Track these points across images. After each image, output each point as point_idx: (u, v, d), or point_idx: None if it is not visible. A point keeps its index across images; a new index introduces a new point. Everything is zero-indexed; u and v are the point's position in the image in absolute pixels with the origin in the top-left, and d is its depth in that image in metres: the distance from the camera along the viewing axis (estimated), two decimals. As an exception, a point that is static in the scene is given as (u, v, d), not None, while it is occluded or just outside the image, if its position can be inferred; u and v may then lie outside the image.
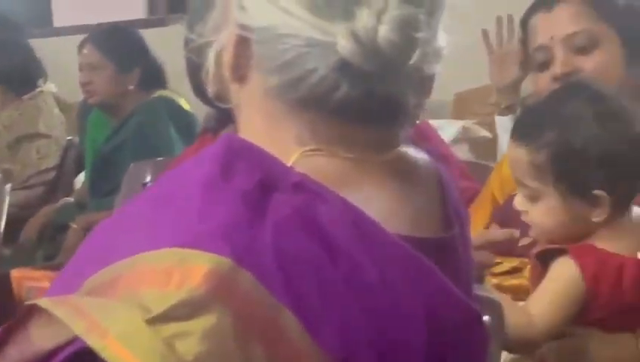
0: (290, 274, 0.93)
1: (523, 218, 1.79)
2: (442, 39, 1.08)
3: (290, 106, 1.04)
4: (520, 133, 1.78)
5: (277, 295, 0.92)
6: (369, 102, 1.03)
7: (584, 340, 1.74)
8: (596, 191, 1.70)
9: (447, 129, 4.54)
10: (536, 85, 2.08)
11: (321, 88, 1.02)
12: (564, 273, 1.71)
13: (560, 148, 1.71)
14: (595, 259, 1.70)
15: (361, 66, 1.00)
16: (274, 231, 0.94)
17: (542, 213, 1.76)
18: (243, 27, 1.05)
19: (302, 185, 0.99)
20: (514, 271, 2.00)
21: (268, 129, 1.06)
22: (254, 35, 1.04)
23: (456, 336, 1.05)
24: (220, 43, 1.08)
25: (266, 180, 0.98)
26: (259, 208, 0.96)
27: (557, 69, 2.02)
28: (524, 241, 1.88)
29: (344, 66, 1.01)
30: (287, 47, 1.02)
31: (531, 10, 2.12)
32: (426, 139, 2.55)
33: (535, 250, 1.77)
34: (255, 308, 0.91)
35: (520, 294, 1.85)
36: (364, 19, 1.00)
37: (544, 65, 2.05)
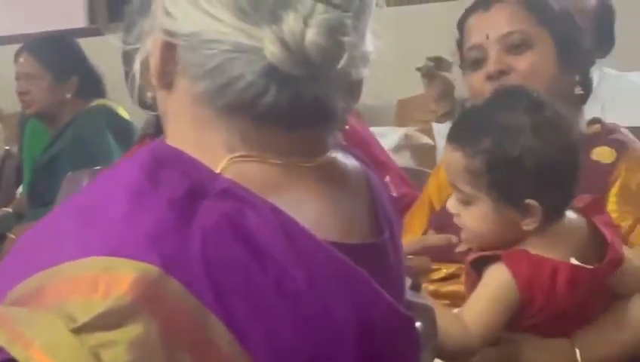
0: (219, 282, 0.92)
1: (455, 220, 1.80)
2: (370, 43, 1.07)
3: (218, 112, 1.03)
4: (456, 137, 1.78)
5: (205, 303, 0.91)
6: (297, 107, 1.02)
7: (519, 346, 1.75)
8: (528, 201, 1.70)
9: (389, 136, 4.55)
10: (470, 85, 2.09)
11: (248, 94, 1.01)
12: (497, 279, 1.71)
13: (495, 156, 1.71)
14: (529, 264, 1.70)
15: (288, 71, 0.99)
16: (202, 239, 0.93)
17: (473, 217, 1.76)
18: (168, 33, 1.03)
19: (230, 192, 0.98)
20: (451, 277, 2.00)
21: (196, 136, 1.05)
22: (180, 41, 1.03)
23: (388, 343, 1.05)
24: (146, 49, 1.07)
25: (193, 187, 0.97)
26: (187, 216, 0.95)
27: (490, 67, 2.04)
28: (462, 247, 1.89)
29: (272, 71, 1.00)
30: (214, 52, 1.00)
31: (468, 12, 2.14)
32: (365, 145, 2.55)
33: (469, 258, 1.77)
34: (183, 317, 0.90)
35: (457, 300, 1.86)
36: (290, 23, 0.99)
37: (478, 64, 2.06)
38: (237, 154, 1.03)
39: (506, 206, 1.72)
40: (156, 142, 1.06)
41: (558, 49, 2.05)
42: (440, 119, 2.94)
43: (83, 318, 0.88)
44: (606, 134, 2.10)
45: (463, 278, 1.91)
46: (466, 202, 1.76)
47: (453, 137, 1.78)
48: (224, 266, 0.93)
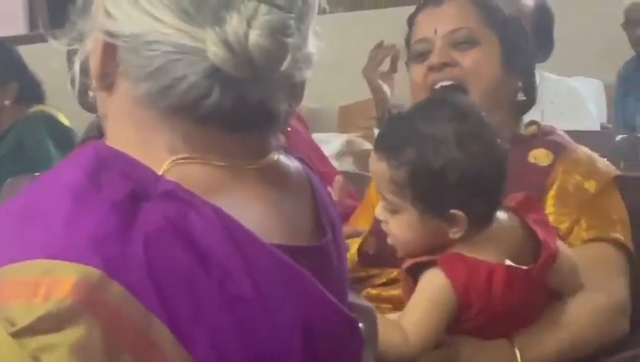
0: (162, 284, 0.92)
1: (383, 227, 1.80)
2: (312, 45, 1.06)
3: (160, 114, 1.02)
4: (381, 147, 1.76)
5: (148, 306, 0.90)
6: (241, 109, 1.01)
7: (459, 349, 1.75)
8: (453, 211, 1.70)
9: (332, 142, 4.57)
10: (412, 78, 2.09)
11: (191, 96, 1.00)
12: (433, 285, 1.70)
13: (419, 167, 1.70)
14: (465, 268, 1.69)
15: (232, 73, 0.99)
16: (145, 242, 0.93)
17: (400, 225, 1.76)
18: (109, 34, 1.02)
19: (173, 194, 0.97)
20: (393, 282, 2.00)
21: (138, 137, 1.04)
22: (121, 42, 1.01)
23: (333, 344, 1.05)
24: (86, 50, 1.06)
25: (136, 189, 0.96)
26: (129, 218, 0.94)
27: (434, 58, 2.04)
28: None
29: (215, 73, 0.99)
30: (156, 54, 0.99)
31: (420, 7, 2.15)
32: (310, 151, 2.55)
33: (404, 265, 1.76)
34: (125, 320, 0.89)
35: (400, 304, 1.85)
36: (234, 24, 0.98)
37: (423, 57, 2.07)
38: (179, 156, 1.02)
39: (431, 216, 1.72)
40: (97, 143, 1.04)
41: (503, 51, 2.06)
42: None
43: (23, 322, 0.86)
44: (543, 136, 2.11)
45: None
46: (393, 211, 1.76)
47: (377, 147, 1.77)
48: (167, 269, 0.92)
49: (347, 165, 4.23)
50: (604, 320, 1.90)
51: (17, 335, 0.86)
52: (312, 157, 2.63)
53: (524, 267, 1.72)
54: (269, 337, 0.97)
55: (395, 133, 1.76)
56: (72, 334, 0.87)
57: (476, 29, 2.06)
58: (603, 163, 2.08)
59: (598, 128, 3.59)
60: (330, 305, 1.04)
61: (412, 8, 2.21)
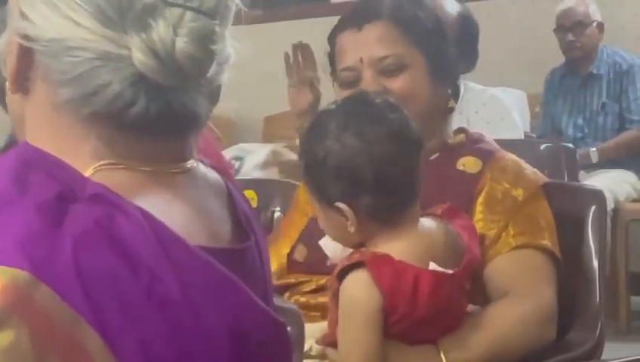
0: (90, 288, 0.90)
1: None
2: (230, 47, 1.06)
3: (83, 121, 1.00)
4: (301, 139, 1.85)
5: (77, 309, 0.89)
6: (166, 115, 1.00)
7: (386, 355, 1.74)
8: (338, 203, 1.72)
9: (257, 153, 4.57)
10: None
11: (117, 104, 0.98)
12: (359, 289, 1.70)
13: (309, 159, 1.76)
14: (392, 272, 1.69)
15: (159, 80, 0.97)
16: (73, 244, 0.91)
17: (319, 220, 1.81)
18: (26, 37, 0.99)
19: (100, 197, 0.95)
20: (322, 289, 1.99)
21: (57, 142, 1.01)
22: (39, 46, 0.99)
23: (261, 348, 1.04)
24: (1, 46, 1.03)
25: (63, 191, 0.94)
26: (57, 220, 0.92)
27: (365, 88, 2.02)
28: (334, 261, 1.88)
29: (140, 80, 0.97)
30: (78, 60, 0.97)
31: (339, 28, 2.11)
32: (209, 156, 2.51)
33: (335, 271, 1.75)
34: (54, 323, 0.88)
35: (328, 312, 1.84)
36: (160, 31, 0.96)
37: (352, 85, 2.05)
38: (104, 162, 1.00)
39: (326, 208, 1.75)
40: (23, 145, 1.01)
41: (430, 66, 2.06)
42: (305, 133, 2.92)
43: None
44: (471, 144, 2.12)
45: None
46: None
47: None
48: (95, 273, 0.91)
49: (272, 175, 4.23)
50: (530, 325, 1.91)
51: None
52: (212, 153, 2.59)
53: (450, 271, 1.73)
54: (197, 340, 0.96)
55: (309, 127, 1.81)
56: (2, 338, 0.85)
57: (401, 52, 2.04)
58: (531, 170, 2.10)
59: (523, 137, 3.62)
60: (258, 308, 1.03)
61: (334, 19, 2.19)
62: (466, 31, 3.49)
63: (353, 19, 2.07)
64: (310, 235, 2.05)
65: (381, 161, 1.71)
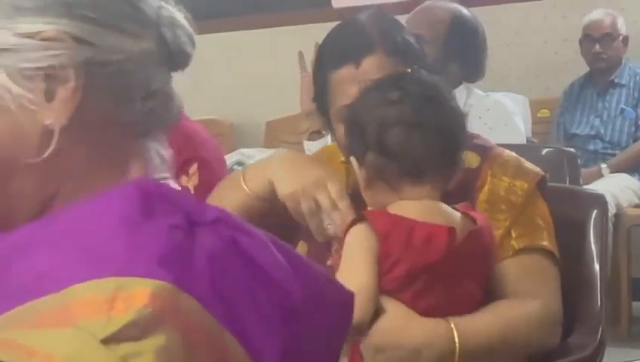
0: (228, 300, 0.92)
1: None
2: None
3: (135, 137, 1.05)
4: None
5: (219, 318, 0.91)
6: (169, 117, 1.07)
7: (395, 318, 1.79)
8: (351, 157, 1.85)
9: (258, 157, 4.56)
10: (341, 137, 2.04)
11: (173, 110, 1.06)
12: (358, 234, 1.79)
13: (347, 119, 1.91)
14: (387, 219, 1.77)
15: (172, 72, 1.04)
16: (208, 260, 0.92)
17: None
18: (91, 64, 0.99)
19: (223, 219, 0.97)
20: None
21: (98, 165, 1.04)
22: (110, 69, 1.01)
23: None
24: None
25: (187, 217, 0.95)
26: (187, 242, 0.93)
27: None
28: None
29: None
30: (147, 73, 1.02)
31: (334, 64, 2.06)
32: (188, 139, 2.50)
33: (343, 228, 1.83)
34: (201, 331, 0.89)
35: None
36: (180, 23, 1.04)
37: None
38: (158, 178, 1.04)
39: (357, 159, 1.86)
40: (138, 179, 1.02)
41: None
42: (312, 136, 2.93)
43: (106, 332, 0.85)
44: (469, 139, 2.12)
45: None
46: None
47: None
48: (231, 286, 0.93)
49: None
50: (537, 325, 1.93)
51: (106, 342, 0.85)
52: (194, 139, 2.57)
53: (447, 226, 1.76)
54: (320, 351, 1.01)
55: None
56: (156, 341, 0.86)
57: None
58: (529, 164, 2.11)
59: (525, 142, 3.63)
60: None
61: (333, 24, 2.19)
62: (457, 34, 3.48)
63: (349, 56, 2.04)
64: (310, 231, 2.06)
65: (384, 122, 1.79)
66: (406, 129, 1.78)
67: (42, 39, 0.96)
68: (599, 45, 5.18)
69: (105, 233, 0.93)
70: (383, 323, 1.79)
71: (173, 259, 0.91)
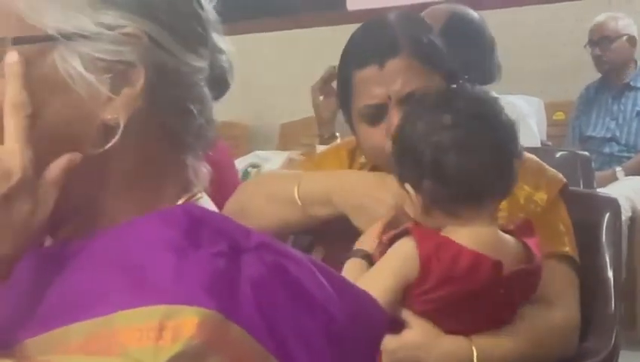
0: (274, 326, 0.92)
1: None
2: None
3: (176, 149, 1.07)
4: None
5: (266, 347, 0.90)
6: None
7: (420, 336, 1.79)
8: (405, 184, 1.80)
9: (273, 160, 4.57)
10: (368, 137, 2.03)
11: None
12: (399, 248, 1.77)
13: (393, 139, 1.87)
14: (435, 240, 1.75)
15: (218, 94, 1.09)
16: (252, 287, 0.92)
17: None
18: (166, 70, 1.02)
19: (267, 245, 0.97)
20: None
21: (148, 176, 1.06)
22: (173, 76, 1.04)
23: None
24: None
25: (231, 243, 0.95)
26: (233, 266, 0.93)
27: (389, 122, 2.00)
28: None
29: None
30: (198, 84, 1.04)
31: (358, 63, 2.06)
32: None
33: (385, 236, 1.82)
34: (248, 358, 0.89)
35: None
36: (218, 45, 1.06)
37: (377, 120, 2.03)
38: (191, 194, 1.05)
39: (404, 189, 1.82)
40: (186, 204, 1.03)
41: (447, 84, 2.06)
42: (325, 142, 2.92)
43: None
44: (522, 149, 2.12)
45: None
46: None
47: None
48: (276, 313, 0.92)
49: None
50: (559, 335, 1.93)
51: None
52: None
53: (494, 258, 1.74)
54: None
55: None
56: None
57: (425, 83, 2.02)
58: (551, 171, 2.10)
59: (539, 145, 3.62)
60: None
61: (351, 27, 2.18)
62: (451, 34, 3.45)
63: (373, 56, 2.03)
64: (326, 235, 2.05)
65: (440, 148, 1.75)
66: (462, 153, 1.75)
67: (121, 33, 0.96)
68: (599, 48, 5.19)
69: (152, 258, 0.93)
70: (407, 338, 1.79)
71: (219, 286, 0.90)
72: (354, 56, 2.07)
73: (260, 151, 5.26)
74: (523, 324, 1.87)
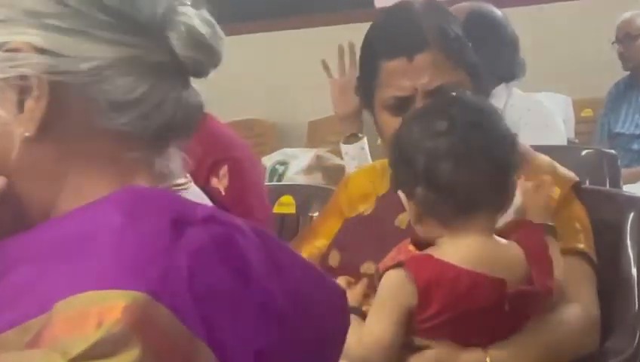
0: (204, 305, 0.91)
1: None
2: None
3: (115, 141, 1.03)
4: None
5: (193, 329, 0.90)
6: (187, 118, 1.06)
7: (437, 353, 1.78)
8: (399, 191, 1.79)
9: (301, 157, 4.57)
10: (389, 126, 2.02)
11: (167, 115, 1.03)
12: (391, 283, 1.75)
13: (390, 144, 1.87)
14: (431, 267, 1.72)
15: (200, 72, 1.05)
16: (188, 260, 0.92)
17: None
18: (58, 73, 0.99)
19: (215, 218, 0.97)
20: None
21: (78, 173, 1.03)
22: (83, 78, 1.00)
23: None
24: None
25: (175, 218, 0.95)
26: (172, 242, 0.93)
27: None
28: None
29: (174, 87, 1.03)
30: (132, 78, 1.00)
31: (386, 54, 2.07)
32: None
33: (381, 267, 1.79)
34: (173, 343, 0.89)
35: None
36: (193, 22, 1.03)
37: (400, 110, 2.03)
38: (171, 184, 1.05)
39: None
40: (129, 185, 1.02)
41: (472, 80, 2.06)
42: (348, 140, 2.92)
43: (75, 352, 0.86)
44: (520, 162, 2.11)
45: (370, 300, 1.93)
46: None
47: None
48: (211, 294, 0.92)
49: (316, 179, 4.24)
50: (579, 332, 1.92)
51: (74, 361, 0.85)
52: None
53: (493, 276, 1.73)
54: (307, 350, 1.00)
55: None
56: (128, 357, 0.86)
57: (452, 78, 2.03)
58: (563, 169, 2.10)
59: (565, 143, 3.60)
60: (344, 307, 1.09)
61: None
62: (472, 30, 3.43)
63: (402, 49, 2.04)
64: (343, 239, 2.06)
65: (433, 155, 1.74)
66: (456, 161, 1.73)
67: (7, 50, 0.97)
68: (621, 46, 5.17)
69: (88, 245, 0.93)
70: (428, 355, 1.79)
71: (150, 268, 0.90)
72: (382, 46, 2.08)
73: (288, 149, 5.26)
74: (539, 328, 1.86)
